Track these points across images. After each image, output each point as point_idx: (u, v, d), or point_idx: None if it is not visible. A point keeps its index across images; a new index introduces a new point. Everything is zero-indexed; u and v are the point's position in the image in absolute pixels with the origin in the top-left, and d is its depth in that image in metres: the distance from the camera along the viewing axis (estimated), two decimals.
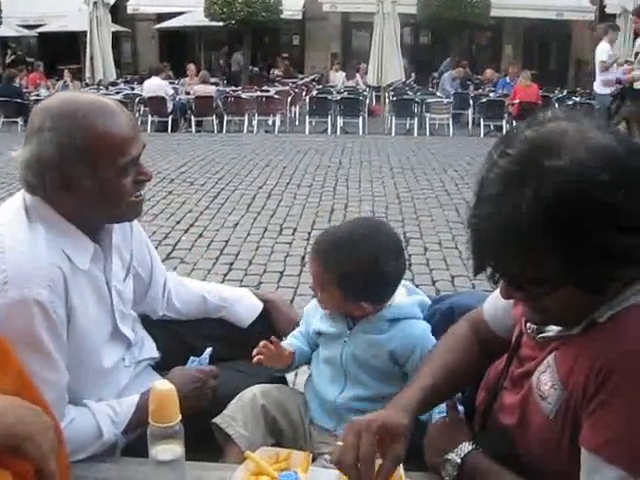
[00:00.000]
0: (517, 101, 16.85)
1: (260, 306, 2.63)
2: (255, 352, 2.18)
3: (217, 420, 2.13)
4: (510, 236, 1.36)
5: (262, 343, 2.17)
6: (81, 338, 2.01)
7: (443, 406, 1.94)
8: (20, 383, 1.41)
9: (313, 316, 2.28)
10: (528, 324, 1.69)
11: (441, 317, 2.21)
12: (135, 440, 2.05)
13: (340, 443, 1.62)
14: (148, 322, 2.46)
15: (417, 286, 2.38)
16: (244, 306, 2.61)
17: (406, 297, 2.20)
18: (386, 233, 2.16)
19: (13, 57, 31.42)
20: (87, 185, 1.92)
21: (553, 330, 1.61)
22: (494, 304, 1.93)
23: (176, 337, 2.50)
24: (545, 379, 1.57)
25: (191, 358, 2.27)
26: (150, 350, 2.38)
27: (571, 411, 1.49)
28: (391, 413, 1.70)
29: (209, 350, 2.29)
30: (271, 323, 2.62)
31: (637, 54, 10.06)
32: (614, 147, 1.36)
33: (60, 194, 1.94)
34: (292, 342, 2.30)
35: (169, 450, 1.72)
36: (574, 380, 1.47)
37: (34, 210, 1.97)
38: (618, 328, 1.44)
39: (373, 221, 2.45)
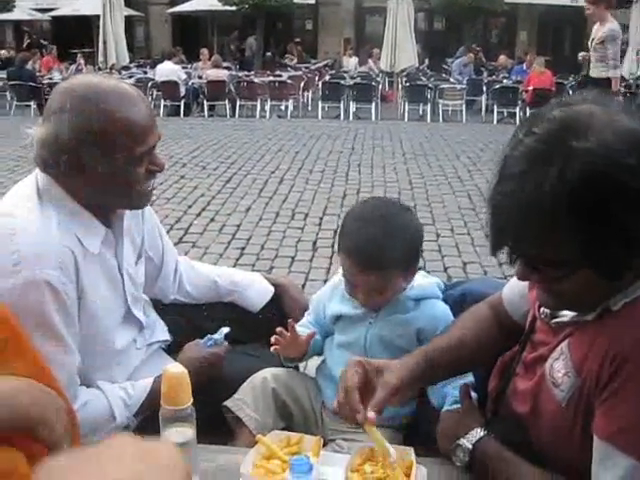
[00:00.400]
0: (531, 88, 16.73)
1: (271, 291, 2.63)
2: (273, 340, 2.15)
3: (228, 403, 2.13)
4: (532, 215, 1.35)
5: (278, 330, 2.14)
6: (92, 320, 2.01)
7: (457, 394, 1.94)
8: (35, 366, 1.41)
9: (329, 301, 2.23)
10: (542, 309, 1.68)
11: (453, 304, 2.21)
12: (147, 421, 2.06)
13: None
14: (160, 306, 2.46)
15: (429, 272, 2.38)
16: (255, 290, 2.61)
17: (424, 278, 2.19)
18: (392, 201, 2.24)
19: (29, 41, 31.46)
20: (100, 171, 1.92)
21: (567, 315, 1.60)
22: (512, 289, 1.92)
23: (187, 321, 2.51)
24: (558, 366, 1.56)
25: (207, 336, 2.27)
26: (161, 333, 2.38)
27: (584, 399, 1.48)
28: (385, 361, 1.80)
29: (226, 330, 2.28)
30: (281, 307, 2.62)
31: (592, 41, 9.92)
32: None
33: (73, 177, 1.94)
34: (303, 332, 2.22)
35: (180, 433, 1.73)
36: (588, 367, 1.46)
37: (46, 192, 1.97)
38: (633, 316, 1.43)
39: (373, 199, 2.43)
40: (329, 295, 2.25)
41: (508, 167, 1.39)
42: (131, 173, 1.96)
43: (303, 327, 2.26)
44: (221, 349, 2.24)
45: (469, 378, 2.02)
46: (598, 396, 1.44)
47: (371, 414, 1.66)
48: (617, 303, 1.46)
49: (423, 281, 2.17)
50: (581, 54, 11.03)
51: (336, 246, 2.17)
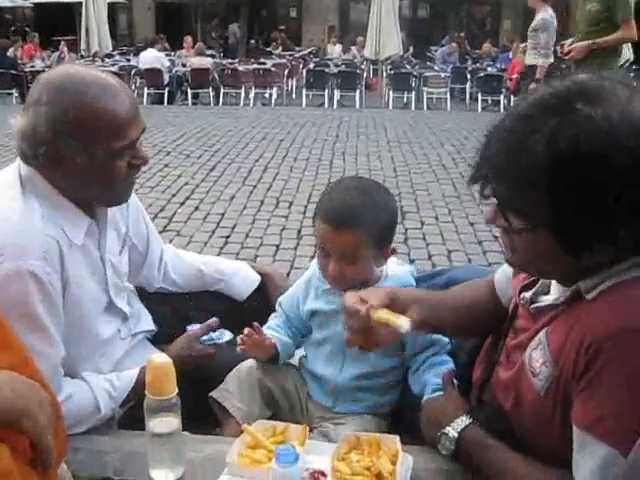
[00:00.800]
0: (515, 75, 16.74)
1: (257, 279, 2.62)
2: (238, 340, 2.14)
3: (214, 394, 2.14)
4: (519, 155, 1.37)
5: (246, 331, 2.12)
6: (77, 310, 2.00)
7: (437, 382, 1.95)
8: (18, 358, 1.40)
9: (304, 298, 2.22)
10: (522, 294, 1.70)
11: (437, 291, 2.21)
12: (132, 410, 2.05)
13: None
14: (145, 295, 2.45)
15: (413, 261, 2.39)
16: (241, 279, 2.61)
17: (398, 266, 2.19)
18: (372, 180, 2.27)
19: (13, 28, 31.18)
20: (79, 163, 1.89)
21: (545, 301, 1.61)
22: (502, 274, 1.94)
23: (173, 310, 2.50)
24: (537, 356, 1.56)
25: (210, 335, 2.24)
26: (146, 323, 2.37)
27: (561, 389, 1.49)
28: None
29: (229, 336, 2.25)
30: (267, 296, 2.61)
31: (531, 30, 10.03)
32: None
33: (53, 169, 1.92)
34: (272, 334, 2.19)
35: (166, 423, 1.73)
36: (564, 356, 1.47)
37: (29, 182, 1.95)
38: (607, 305, 1.44)
39: (350, 177, 2.48)
40: (302, 292, 2.23)
41: (517, 107, 1.45)
42: (112, 166, 1.92)
43: (271, 330, 2.22)
44: (213, 350, 2.23)
45: (449, 365, 2.03)
46: (575, 386, 1.44)
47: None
48: (591, 291, 1.47)
49: (397, 269, 2.17)
50: (522, 45, 11.16)
51: None
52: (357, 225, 1.96)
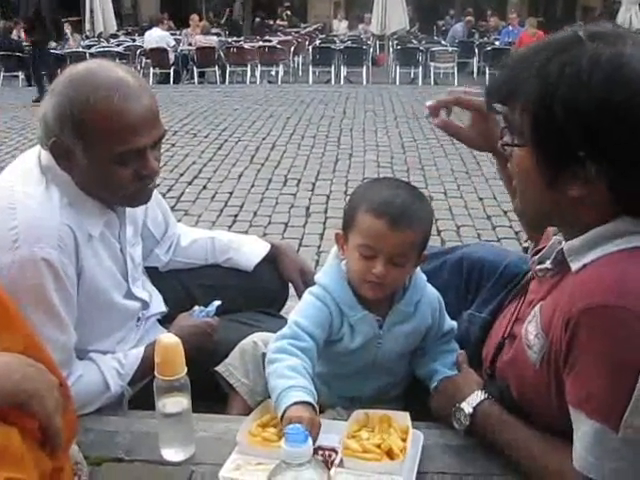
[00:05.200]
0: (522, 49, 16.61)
1: (267, 247, 2.60)
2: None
3: (219, 368, 2.12)
4: (532, 72, 1.41)
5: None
6: (92, 300, 2.00)
7: (445, 371, 1.94)
8: (26, 340, 1.40)
9: (338, 329, 1.93)
10: (533, 258, 1.71)
11: (450, 267, 2.21)
12: (142, 391, 2.06)
13: None
14: (155, 275, 2.44)
15: None
16: (250, 247, 2.59)
17: None
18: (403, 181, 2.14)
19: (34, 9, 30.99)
20: (82, 161, 1.87)
21: (546, 264, 1.62)
22: None
23: (182, 289, 2.49)
24: (531, 328, 1.58)
25: (198, 308, 2.24)
26: (158, 305, 2.37)
27: (553, 364, 1.49)
28: None
29: (217, 302, 2.25)
30: (278, 269, 2.60)
31: None
32: None
33: (62, 162, 1.91)
34: (305, 396, 1.70)
35: (176, 403, 1.73)
36: (552, 330, 1.48)
37: (49, 170, 1.94)
38: (588, 280, 1.44)
39: (386, 177, 2.37)
40: (335, 318, 1.93)
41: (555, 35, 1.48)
42: (113, 172, 1.88)
43: (298, 384, 1.74)
44: (214, 319, 2.22)
45: (457, 351, 2.02)
46: (564, 365, 1.45)
47: None
48: (577, 261, 1.48)
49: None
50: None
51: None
52: (414, 224, 1.84)
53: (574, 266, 1.49)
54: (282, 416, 1.66)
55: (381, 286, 1.87)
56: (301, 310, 1.92)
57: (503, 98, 1.50)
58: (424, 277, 2.02)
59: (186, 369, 1.73)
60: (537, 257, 1.67)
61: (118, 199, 2.01)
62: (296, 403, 1.65)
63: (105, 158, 1.86)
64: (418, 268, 2.00)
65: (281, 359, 1.79)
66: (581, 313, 1.38)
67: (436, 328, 2.02)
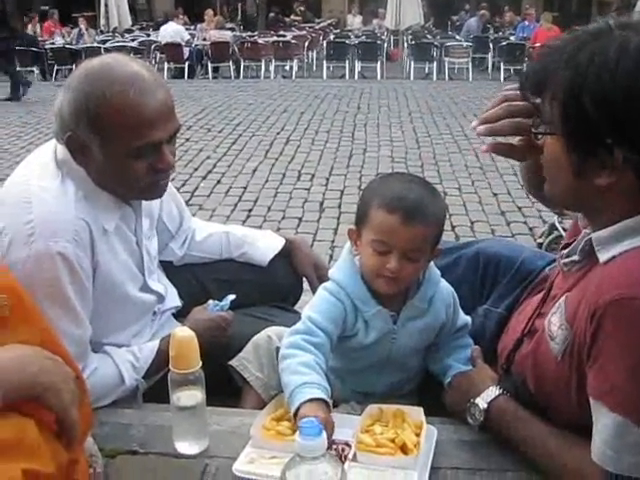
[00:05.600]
0: (538, 44, 16.54)
1: (282, 241, 2.59)
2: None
3: (233, 362, 2.12)
4: (563, 62, 1.41)
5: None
6: (108, 294, 2.01)
7: (459, 367, 1.93)
8: (41, 333, 1.41)
9: (352, 324, 1.93)
10: (561, 252, 1.70)
11: (466, 262, 2.20)
12: (156, 384, 2.06)
13: None
14: (170, 269, 2.45)
15: None
16: (265, 241, 2.59)
17: None
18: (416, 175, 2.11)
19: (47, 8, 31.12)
20: (98, 156, 1.88)
21: (573, 257, 1.61)
22: None
23: (197, 283, 2.49)
24: (555, 320, 1.57)
25: (212, 302, 2.24)
26: (173, 299, 2.37)
27: (576, 356, 1.48)
28: None
29: (232, 297, 2.25)
30: (292, 264, 2.60)
31: None
32: None
33: (78, 156, 1.91)
34: (318, 392, 1.70)
35: (190, 396, 1.74)
36: (577, 322, 1.47)
37: (65, 164, 1.94)
38: (616, 272, 1.43)
39: (398, 172, 2.35)
40: (349, 313, 1.92)
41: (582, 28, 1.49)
42: (128, 166, 1.88)
43: (312, 376, 1.75)
44: (228, 313, 2.22)
45: (471, 346, 2.01)
46: (587, 356, 1.44)
47: None
48: (605, 252, 1.47)
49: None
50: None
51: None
52: (427, 219, 1.82)
53: (602, 257, 1.48)
54: (295, 412, 1.66)
55: (396, 280, 1.85)
56: (315, 305, 1.91)
57: (535, 88, 1.53)
58: (438, 272, 2.01)
59: (200, 363, 1.73)
60: (566, 251, 1.66)
61: (133, 193, 2.02)
62: (310, 400, 1.66)
63: (121, 152, 1.86)
64: (432, 264, 1.98)
65: (294, 355, 1.80)
66: (608, 305, 1.37)
67: (450, 323, 2.01)
